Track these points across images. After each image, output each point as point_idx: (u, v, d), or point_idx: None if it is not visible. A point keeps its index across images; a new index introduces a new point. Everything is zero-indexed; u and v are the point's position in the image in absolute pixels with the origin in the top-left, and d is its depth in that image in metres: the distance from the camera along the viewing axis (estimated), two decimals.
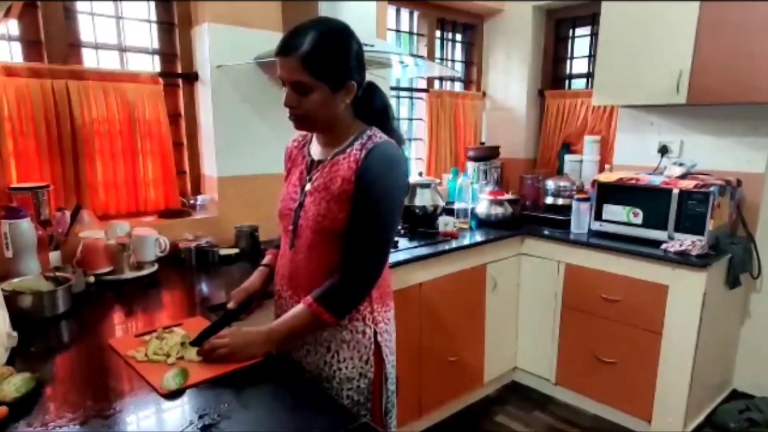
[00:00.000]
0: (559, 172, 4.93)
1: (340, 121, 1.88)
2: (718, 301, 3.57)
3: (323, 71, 1.73)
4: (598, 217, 3.95)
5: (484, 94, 5.41)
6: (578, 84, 5.12)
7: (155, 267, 2.89)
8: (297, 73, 1.73)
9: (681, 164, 3.86)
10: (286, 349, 2.01)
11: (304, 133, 2.10)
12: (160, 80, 3.22)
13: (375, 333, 1.95)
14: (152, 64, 3.30)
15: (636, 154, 4.44)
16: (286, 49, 1.74)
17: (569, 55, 5.16)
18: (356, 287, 1.84)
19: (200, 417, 1.45)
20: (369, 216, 1.80)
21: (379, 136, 1.87)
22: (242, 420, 1.45)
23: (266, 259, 2.23)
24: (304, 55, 1.70)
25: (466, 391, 4.01)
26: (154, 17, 3.27)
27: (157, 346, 1.82)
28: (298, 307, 1.82)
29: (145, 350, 1.80)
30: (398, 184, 1.85)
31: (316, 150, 1.99)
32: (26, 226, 2.45)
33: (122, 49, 3.16)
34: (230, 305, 2.03)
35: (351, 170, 1.81)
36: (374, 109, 1.96)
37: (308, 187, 1.93)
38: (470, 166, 4.88)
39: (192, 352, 1.78)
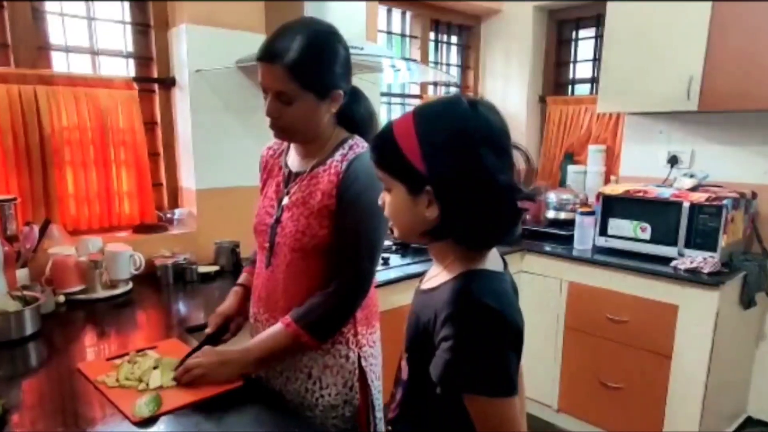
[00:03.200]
0: (562, 184, 4.96)
1: (322, 131, 1.88)
2: (732, 322, 3.58)
3: (310, 80, 1.73)
4: (603, 232, 3.97)
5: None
6: (582, 90, 5.16)
7: (129, 285, 2.90)
8: (282, 83, 1.72)
9: (692, 176, 3.89)
10: (263, 372, 2.01)
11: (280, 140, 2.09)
12: (135, 85, 3.24)
13: (359, 357, 1.95)
14: (126, 69, 3.32)
15: (644, 164, 4.47)
16: (270, 55, 1.72)
17: (572, 58, 5.19)
18: (339, 308, 1.83)
19: None
20: (353, 233, 1.79)
21: (362, 145, 1.87)
22: None
23: (242, 278, 2.23)
24: (291, 63, 1.69)
25: None
26: (128, 18, 3.29)
27: (128, 370, 1.83)
28: (276, 327, 1.81)
29: (117, 375, 1.81)
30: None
31: (294, 160, 1.99)
32: None
33: (94, 53, 3.18)
34: (208, 330, 2.05)
35: (332, 184, 1.80)
36: (358, 116, 1.95)
37: (286, 201, 1.92)
38: None
39: (163, 377, 1.78)
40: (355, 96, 1.95)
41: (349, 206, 1.79)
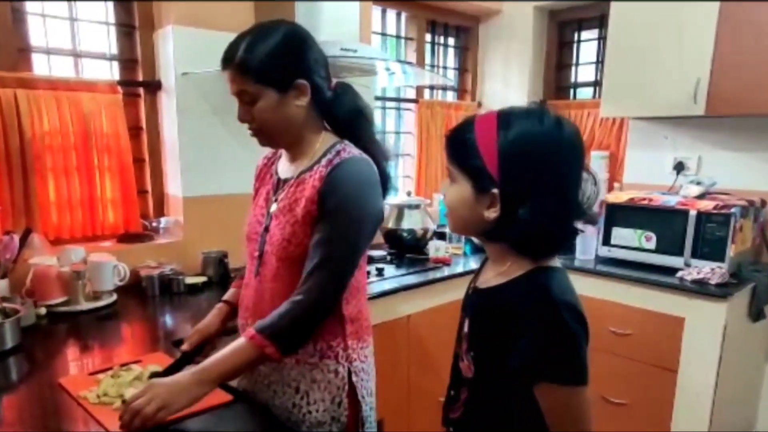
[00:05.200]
0: None
1: (302, 130, 1.89)
2: (740, 335, 3.59)
3: (263, 73, 1.76)
4: (607, 241, 3.99)
5: (479, 104, 5.46)
6: (584, 94, 5.19)
7: (113, 297, 2.90)
8: (238, 82, 1.78)
9: (699, 183, 3.91)
10: (251, 385, 2.02)
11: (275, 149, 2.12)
12: (119, 89, 3.24)
13: (349, 372, 1.94)
14: (110, 72, 3.33)
15: (648, 171, 4.50)
16: (224, 61, 1.81)
17: (574, 61, 5.22)
18: (304, 318, 1.77)
19: None
20: (327, 239, 1.77)
21: (350, 150, 1.86)
22: None
23: (228, 294, 2.23)
24: (240, 60, 1.75)
25: None
26: (112, 19, 3.29)
27: (109, 385, 1.83)
28: (239, 341, 1.75)
29: (98, 390, 1.82)
30: (364, 204, 1.81)
31: (283, 167, 2.00)
32: None
33: (77, 55, 3.20)
34: (184, 347, 2.04)
35: (314, 189, 1.80)
36: (342, 113, 1.96)
37: (273, 208, 1.93)
38: None
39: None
40: (342, 92, 1.96)
41: (328, 213, 1.78)
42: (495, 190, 1.36)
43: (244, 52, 1.75)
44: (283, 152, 2.03)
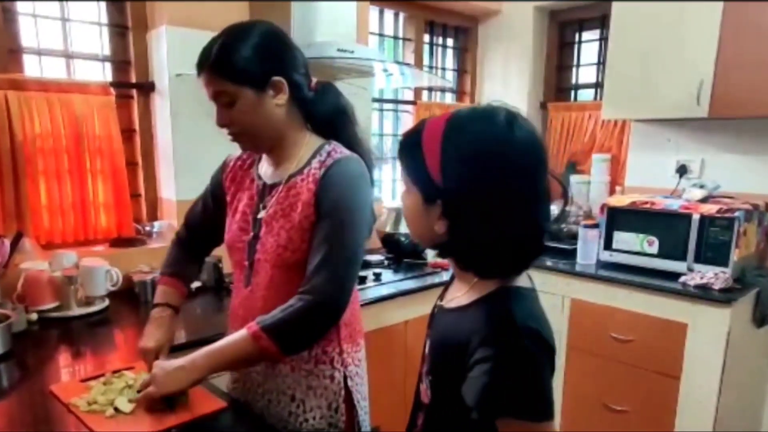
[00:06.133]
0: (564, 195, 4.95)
1: (284, 131, 1.88)
2: (744, 342, 3.59)
3: (240, 72, 1.76)
4: (608, 246, 3.99)
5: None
6: (585, 95, 5.20)
7: (106, 303, 2.91)
8: (213, 84, 1.79)
9: (702, 186, 3.90)
10: (244, 395, 2.02)
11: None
12: (112, 91, 3.24)
13: (345, 377, 1.95)
14: (103, 73, 3.34)
15: (651, 174, 4.51)
16: (199, 64, 1.81)
17: (575, 62, 5.24)
18: (312, 318, 1.74)
19: None
20: (329, 242, 1.76)
21: (340, 151, 1.87)
22: None
23: (162, 296, 2.14)
24: (215, 60, 1.76)
25: None
26: (104, 20, 3.30)
27: (99, 392, 1.83)
28: (240, 333, 1.73)
29: (88, 397, 1.82)
30: (361, 204, 1.81)
31: (267, 172, 1.99)
32: None
33: (69, 56, 3.21)
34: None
35: (310, 192, 1.80)
36: (322, 113, 1.95)
37: (262, 215, 1.92)
38: None
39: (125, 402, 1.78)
40: (322, 92, 1.96)
41: (326, 214, 1.78)
42: (440, 201, 1.28)
43: (219, 52, 1.76)
44: (263, 156, 2.02)
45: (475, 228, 1.26)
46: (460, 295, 1.41)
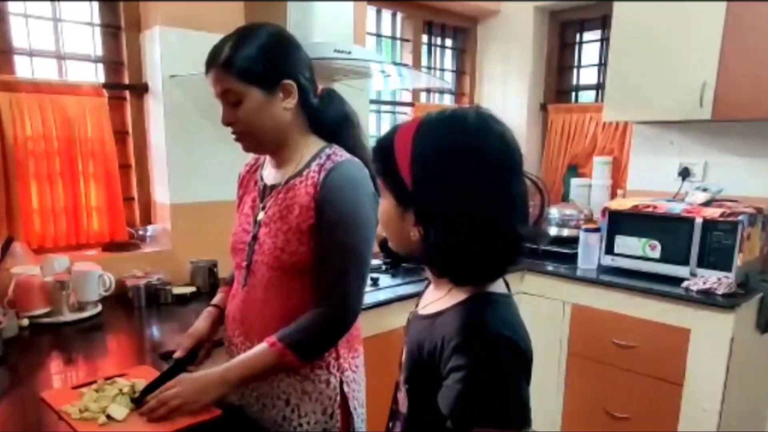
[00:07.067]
0: (565, 198, 5.00)
1: (288, 134, 1.90)
2: (748, 348, 3.59)
3: (249, 72, 1.77)
4: (610, 250, 4.00)
5: (477, 108, 5.39)
6: (586, 97, 5.21)
7: (99, 308, 2.90)
8: (222, 82, 1.79)
9: (705, 189, 3.90)
10: (238, 399, 2.01)
11: (257, 155, 2.12)
12: (105, 92, 3.24)
13: (341, 382, 1.95)
14: (95, 74, 3.33)
15: (653, 177, 4.50)
16: (209, 62, 1.82)
17: (576, 63, 5.24)
18: (329, 329, 1.82)
19: None
20: (339, 251, 1.79)
21: (340, 154, 1.88)
22: None
23: (216, 298, 2.23)
24: (225, 59, 1.76)
25: None
26: (97, 20, 3.30)
27: (91, 399, 1.82)
28: (260, 347, 1.79)
29: (80, 404, 1.81)
30: (366, 209, 1.82)
31: (269, 174, 2.01)
32: None
33: (61, 57, 3.20)
34: (177, 354, 2.03)
35: (309, 196, 1.82)
36: (328, 119, 1.96)
37: (261, 216, 1.94)
38: None
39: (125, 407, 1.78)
40: (328, 98, 1.97)
41: (332, 222, 1.80)
42: (412, 207, 1.28)
43: (230, 51, 1.76)
44: (267, 158, 2.04)
45: (446, 233, 1.24)
46: (435, 301, 1.41)
